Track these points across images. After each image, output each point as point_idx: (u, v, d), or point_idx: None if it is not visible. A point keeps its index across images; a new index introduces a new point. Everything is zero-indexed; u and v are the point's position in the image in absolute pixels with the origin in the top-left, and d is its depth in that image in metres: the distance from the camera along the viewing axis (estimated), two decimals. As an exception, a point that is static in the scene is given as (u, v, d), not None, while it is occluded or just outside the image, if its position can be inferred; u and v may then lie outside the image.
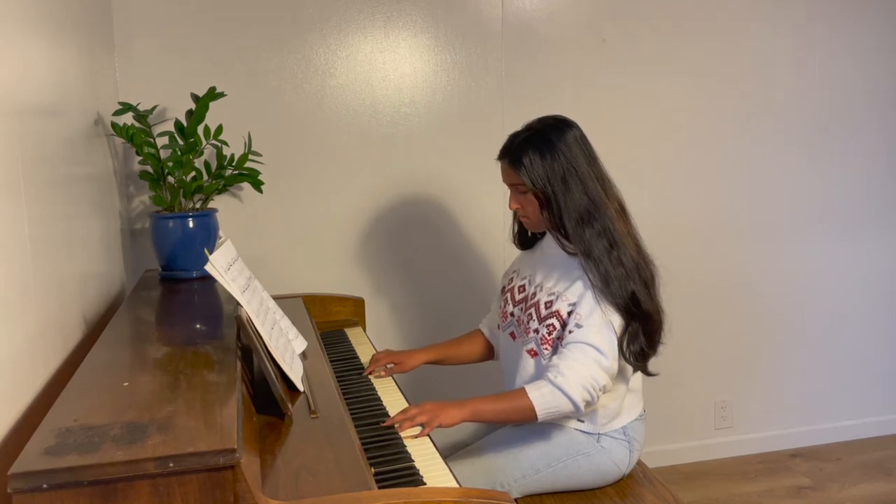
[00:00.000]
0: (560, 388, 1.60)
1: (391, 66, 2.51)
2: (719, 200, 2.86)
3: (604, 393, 1.68)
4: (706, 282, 2.88)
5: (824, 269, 3.01)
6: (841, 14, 2.86)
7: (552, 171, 1.69)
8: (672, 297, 2.77)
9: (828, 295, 3.03)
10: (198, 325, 1.61)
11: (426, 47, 2.53)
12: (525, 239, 1.93)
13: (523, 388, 1.63)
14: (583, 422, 1.76)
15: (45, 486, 0.87)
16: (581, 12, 2.64)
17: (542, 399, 1.61)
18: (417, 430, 1.55)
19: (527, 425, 1.78)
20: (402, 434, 1.53)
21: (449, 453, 1.79)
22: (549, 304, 1.73)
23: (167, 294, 1.87)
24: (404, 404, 1.70)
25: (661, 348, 1.76)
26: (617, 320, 1.66)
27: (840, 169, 2.96)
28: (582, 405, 1.62)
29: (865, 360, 3.11)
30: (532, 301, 1.79)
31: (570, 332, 1.67)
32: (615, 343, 1.66)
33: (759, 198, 2.89)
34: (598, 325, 1.64)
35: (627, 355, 1.67)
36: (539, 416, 1.63)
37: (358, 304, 2.33)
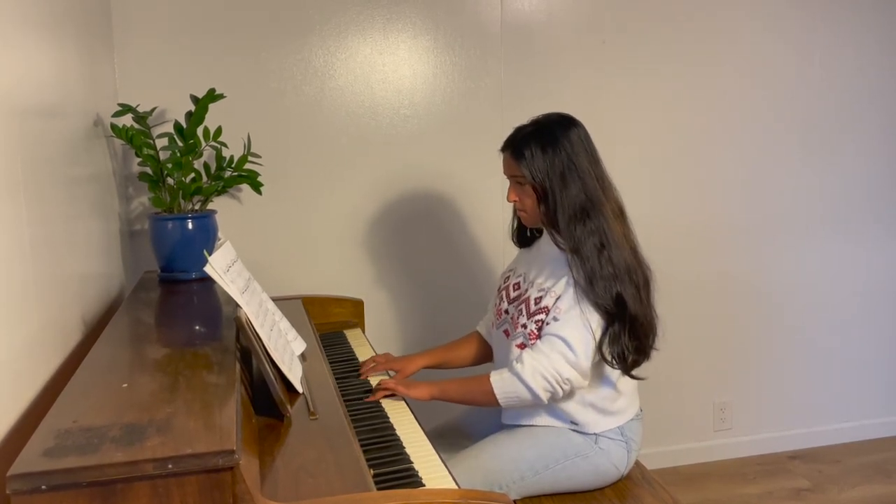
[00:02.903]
0: (517, 375, 1.66)
1: (390, 68, 2.51)
2: (719, 201, 2.86)
3: (571, 387, 1.69)
4: (706, 283, 2.89)
5: (825, 271, 3.01)
6: (841, 14, 2.87)
7: (552, 166, 1.70)
8: (672, 299, 2.79)
9: (828, 296, 3.03)
10: (197, 327, 1.61)
11: (425, 49, 2.53)
12: (524, 237, 1.94)
13: (488, 374, 1.71)
14: (577, 423, 1.77)
15: (43, 487, 0.87)
16: (580, 14, 2.64)
17: (502, 384, 1.68)
18: (400, 404, 1.70)
19: (524, 428, 1.79)
20: (379, 399, 1.71)
21: (433, 434, 1.85)
22: (538, 300, 1.75)
23: (166, 295, 1.87)
24: (403, 406, 1.71)
25: (657, 351, 1.76)
26: (595, 320, 1.67)
27: (841, 169, 2.96)
28: (542, 394, 1.66)
29: (865, 361, 3.11)
30: (524, 297, 1.80)
31: (546, 323, 1.70)
32: (589, 341, 1.66)
33: (759, 199, 2.89)
34: (573, 321, 1.67)
35: (608, 357, 1.68)
36: (500, 401, 1.70)
37: (357, 305, 2.34)
